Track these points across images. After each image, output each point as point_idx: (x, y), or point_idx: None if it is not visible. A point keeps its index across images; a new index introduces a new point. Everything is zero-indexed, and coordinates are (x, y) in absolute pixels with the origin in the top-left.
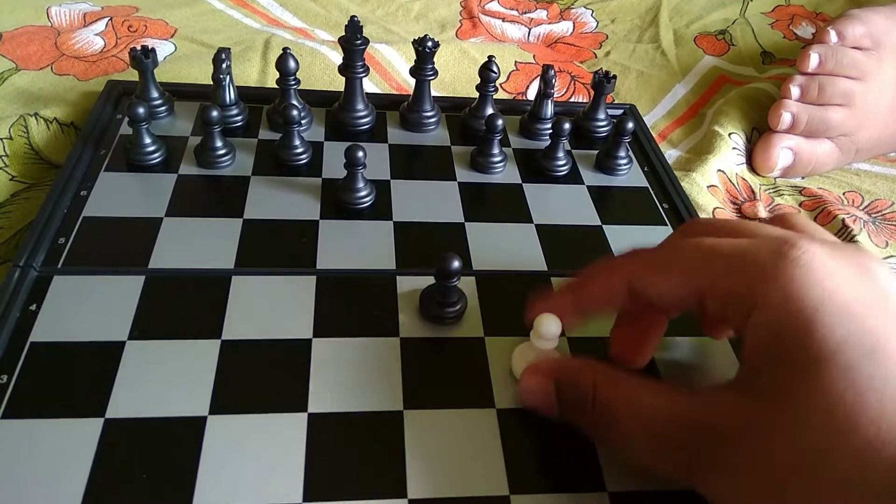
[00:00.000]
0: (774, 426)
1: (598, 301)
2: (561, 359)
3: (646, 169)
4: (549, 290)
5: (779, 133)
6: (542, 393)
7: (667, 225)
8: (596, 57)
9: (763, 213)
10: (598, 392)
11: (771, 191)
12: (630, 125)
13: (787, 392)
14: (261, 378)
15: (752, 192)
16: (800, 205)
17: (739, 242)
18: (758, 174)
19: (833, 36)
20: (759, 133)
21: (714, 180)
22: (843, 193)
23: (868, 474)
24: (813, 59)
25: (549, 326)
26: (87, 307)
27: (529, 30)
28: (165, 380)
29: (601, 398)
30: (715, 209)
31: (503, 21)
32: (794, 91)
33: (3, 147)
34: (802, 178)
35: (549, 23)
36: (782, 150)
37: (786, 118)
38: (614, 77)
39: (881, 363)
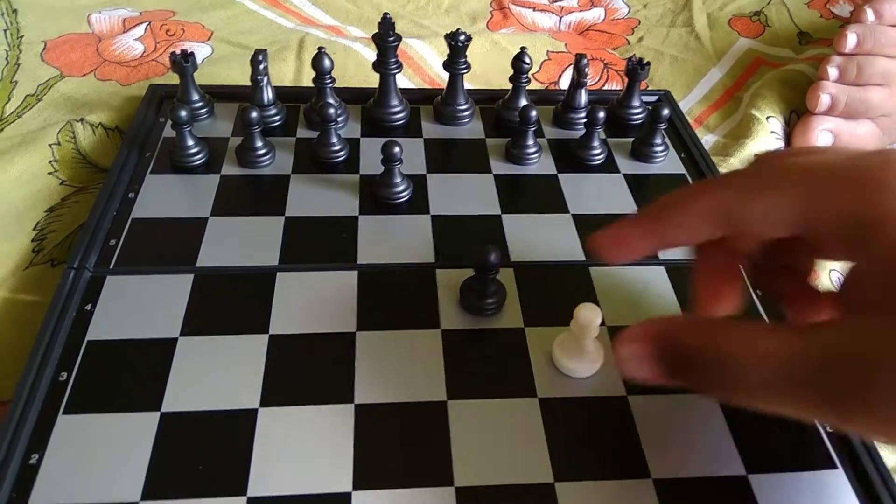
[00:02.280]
0: None
1: (682, 229)
2: (656, 320)
3: (682, 155)
4: (623, 220)
5: (818, 115)
6: (644, 360)
7: None
8: (629, 43)
9: None
10: (711, 347)
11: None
12: (665, 111)
13: None
14: (308, 371)
15: None
16: None
17: (841, 156)
18: None
19: (870, 15)
20: (797, 116)
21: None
22: None
23: None
24: (851, 39)
25: (590, 316)
26: (139, 306)
27: (560, 18)
28: (217, 374)
29: (717, 356)
30: None
31: (534, 10)
32: (832, 72)
33: (53, 152)
34: None
35: (580, 10)
36: (822, 133)
37: (824, 100)
38: (648, 63)
39: None
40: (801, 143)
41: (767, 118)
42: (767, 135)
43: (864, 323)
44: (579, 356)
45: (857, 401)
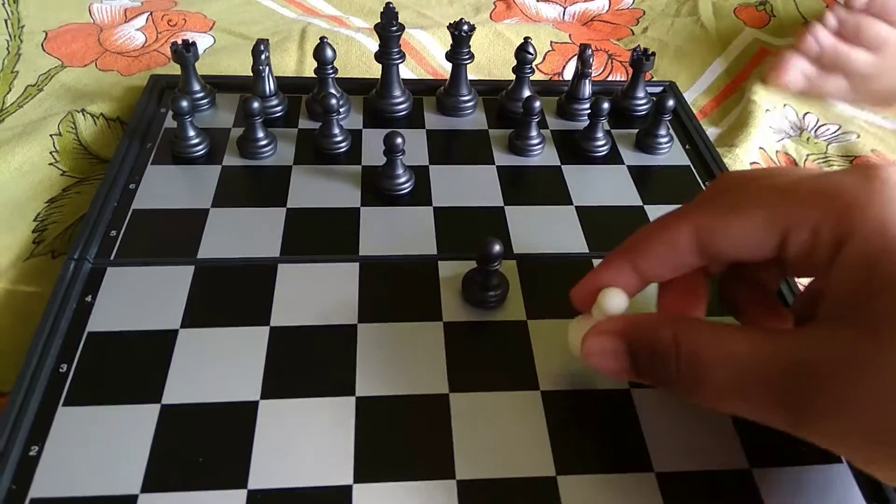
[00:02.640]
0: (886, 356)
1: (662, 263)
2: (628, 316)
3: (687, 147)
4: (600, 263)
5: (799, 55)
6: (612, 355)
7: None
8: (633, 34)
9: None
10: (681, 344)
11: (820, 161)
12: (670, 103)
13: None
14: (309, 363)
15: (795, 164)
16: None
17: (817, 175)
18: (767, 87)
19: None
20: (790, 108)
21: (756, 157)
22: None
23: None
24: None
25: (615, 301)
26: (140, 297)
27: (564, 9)
28: (218, 366)
29: (685, 351)
30: None
31: (537, 1)
32: (831, 20)
33: (54, 143)
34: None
35: (584, 1)
36: (794, 72)
37: (810, 42)
38: (653, 54)
39: None
40: (775, 74)
41: (766, 111)
42: (766, 128)
43: (835, 332)
44: None
45: (819, 408)
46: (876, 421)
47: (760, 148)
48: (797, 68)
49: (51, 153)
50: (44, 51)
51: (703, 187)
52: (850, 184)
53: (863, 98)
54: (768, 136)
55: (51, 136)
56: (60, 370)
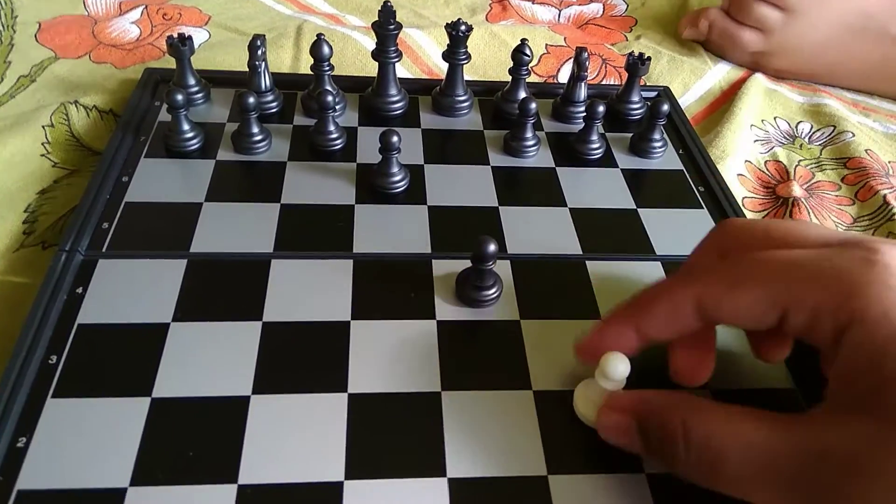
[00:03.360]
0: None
1: (664, 327)
2: (640, 393)
3: (681, 151)
4: (604, 321)
5: (712, 8)
6: (623, 431)
7: (703, 208)
8: (627, 39)
9: (798, 192)
10: (691, 430)
11: (812, 166)
12: (665, 107)
13: None
14: (301, 359)
15: (786, 172)
16: (842, 179)
17: (819, 254)
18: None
19: None
20: (783, 121)
21: (742, 169)
22: (889, 162)
23: None
24: None
25: (617, 367)
26: (131, 290)
27: (559, 11)
28: (209, 360)
29: (695, 437)
30: (744, 198)
31: (533, 3)
32: (724, 2)
33: (46, 134)
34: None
35: (580, 4)
36: (705, 20)
37: (702, 24)
38: (648, 59)
39: None
40: (683, 27)
41: (751, 126)
42: (751, 144)
43: (849, 424)
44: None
45: (825, 501)
46: None
47: (746, 161)
48: (708, 17)
49: (42, 144)
50: (37, 42)
51: (696, 192)
52: (852, 267)
53: (782, 58)
54: (755, 148)
55: (43, 127)
56: (50, 362)
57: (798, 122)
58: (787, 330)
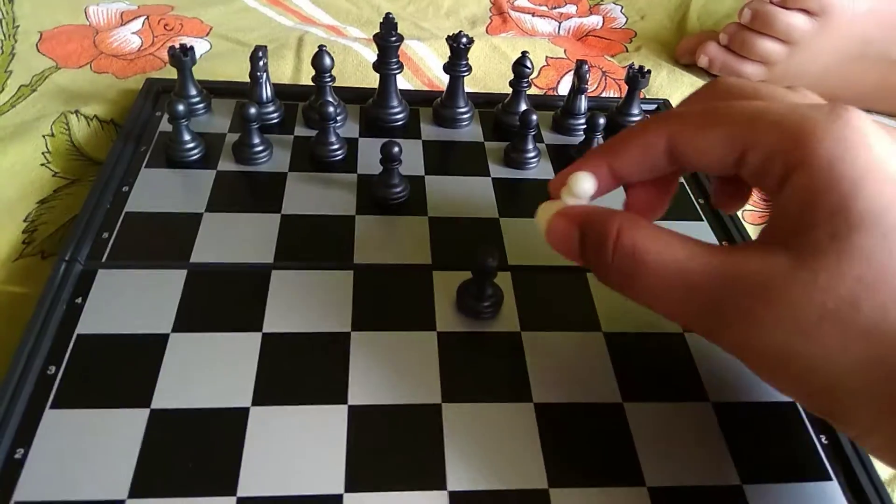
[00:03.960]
0: (804, 281)
1: (635, 163)
2: (588, 206)
3: None
4: (578, 160)
5: (711, 40)
6: (567, 236)
7: (703, 220)
8: (627, 51)
9: None
10: (622, 236)
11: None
12: None
13: (823, 251)
14: (301, 370)
15: None
16: None
17: (789, 105)
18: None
19: None
20: None
21: None
22: None
23: (889, 328)
24: (745, 15)
25: (582, 183)
26: (131, 300)
27: (559, 24)
28: (209, 371)
29: (625, 241)
30: (745, 210)
31: (533, 16)
32: (723, 37)
33: (46, 144)
34: None
35: (579, 16)
36: (705, 53)
37: (702, 60)
38: (648, 72)
39: None
40: (680, 56)
41: None
42: None
43: (768, 255)
44: None
45: (730, 319)
46: (778, 339)
47: None
48: (708, 54)
49: (43, 154)
50: (38, 51)
51: (696, 204)
52: (812, 117)
53: (776, 83)
54: None
55: (43, 136)
56: (48, 372)
57: None
58: (743, 174)
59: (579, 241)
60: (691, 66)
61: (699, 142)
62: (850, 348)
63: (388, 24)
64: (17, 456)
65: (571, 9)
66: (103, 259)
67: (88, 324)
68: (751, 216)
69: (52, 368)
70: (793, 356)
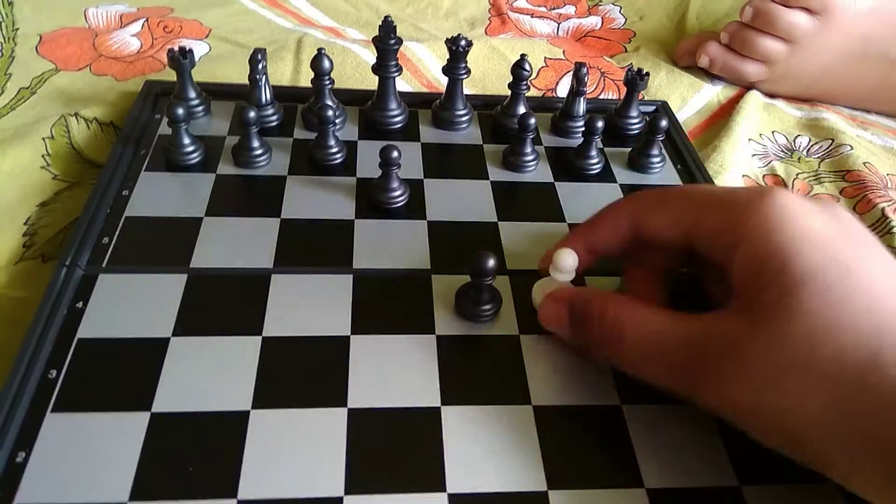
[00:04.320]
0: (762, 339)
1: (606, 240)
2: (575, 288)
3: (679, 167)
4: (559, 241)
5: (711, 39)
6: (558, 317)
7: None
8: (626, 51)
9: None
10: (606, 311)
11: (811, 179)
12: (664, 123)
13: (773, 311)
14: (301, 374)
15: (784, 185)
16: (840, 192)
17: (727, 188)
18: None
19: None
20: (780, 135)
21: (739, 184)
22: (887, 175)
23: (844, 372)
24: (747, 13)
25: (565, 260)
26: (131, 305)
27: (558, 24)
28: (209, 375)
29: (609, 316)
30: None
31: (532, 17)
32: (724, 36)
33: (46, 146)
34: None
35: (578, 17)
36: (705, 52)
37: (703, 60)
38: (647, 74)
39: (852, 284)
40: (679, 57)
41: (748, 140)
42: (749, 158)
43: (731, 319)
44: None
45: (707, 379)
46: (747, 393)
47: (744, 175)
48: (708, 54)
49: (43, 156)
50: (38, 54)
51: None
52: (746, 200)
53: (781, 84)
54: (752, 163)
55: (43, 139)
56: (49, 376)
57: (796, 136)
58: (695, 249)
59: (569, 319)
60: (690, 68)
61: (654, 221)
62: (813, 395)
63: (387, 27)
64: (18, 459)
65: (570, 9)
66: (104, 264)
67: (89, 328)
68: None
69: (53, 372)
70: (764, 408)
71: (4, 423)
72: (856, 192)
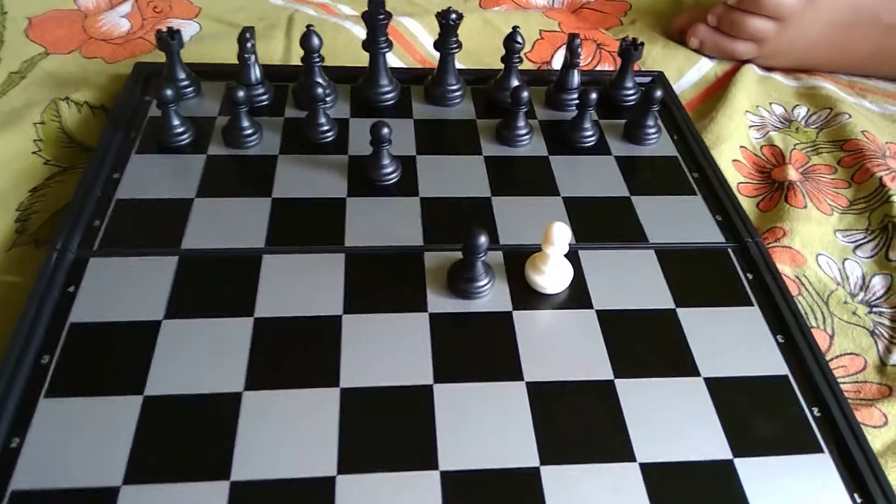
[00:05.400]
0: None
1: None
2: None
3: (675, 137)
4: None
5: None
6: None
7: (697, 195)
8: (622, 24)
9: (794, 176)
10: None
11: (808, 149)
12: (659, 93)
13: None
14: (293, 354)
15: (782, 156)
16: (838, 162)
17: None
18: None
19: None
20: (778, 106)
21: (737, 155)
22: (887, 143)
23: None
24: None
25: (559, 232)
26: (123, 288)
27: None
28: (201, 357)
29: None
30: (739, 184)
31: None
32: (711, 19)
33: (37, 131)
34: None
35: None
36: (696, 33)
37: (692, 42)
38: (642, 44)
39: None
40: (673, 34)
41: (745, 112)
42: (746, 129)
43: None
44: (549, 273)
45: None
46: None
47: (741, 146)
48: (697, 36)
49: (34, 142)
50: (27, 38)
51: (691, 178)
52: None
53: (774, 59)
54: (749, 134)
55: (34, 124)
56: (42, 361)
57: (794, 107)
58: None
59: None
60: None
61: None
62: None
63: (376, 2)
64: (12, 445)
65: None
66: (95, 247)
67: (81, 312)
68: (746, 188)
69: (46, 358)
70: None
71: None
72: (853, 161)
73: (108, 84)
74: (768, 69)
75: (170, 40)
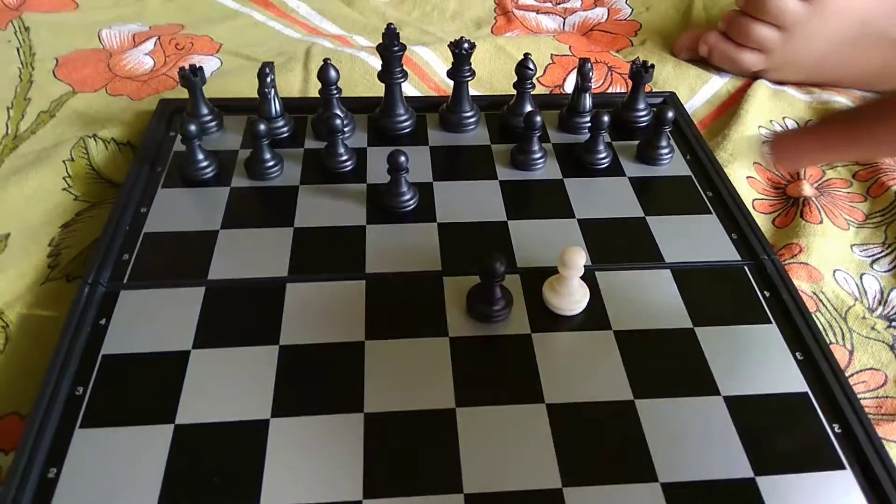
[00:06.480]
0: None
1: None
2: None
3: (688, 157)
4: None
5: (708, 30)
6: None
7: (711, 213)
8: (632, 45)
9: (809, 191)
10: None
11: (823, 164)
12: (670, 114)
13: None
14: (318, 381)
15: (796, 171)
16: (853, 175)
17: None
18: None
19: None
20: (791, 121)
21: (751, 172)
22: None
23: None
24: (740, 0)
25: (573, 258)
26: (152, 319)
27: (564, 19)
28: (229, 386)
29: None
30: (754, 200)
31: (537, 13)
32: (721, 25)
33: (66, 168)
34: None
35: (584, 10)
36: (704, 42)
37: (702, 49)
38: (652, 66)
39: None
40: (679, 50)
41: (759, 127)
42: (760, 146)
43: None
44: (566, 295)
45: None
46: None
47: (755, 163)
48: (707, 42)
49: (64, 179)
50: (55, 77)
51: (705, 197)
52: None
53: (782, 73)
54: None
55: (63, 161)
56: (77, 393)
57: (808, 121)
58: None
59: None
60: (694, 61)
61: None
62: None
63: (391, 34)
64: (50, 475)
65: (576, 2)
66: (125, 280)
67: (113, 344)
68: (761, 205)
69: (80, 389)
70: None
71: (35, 440)
72: (869, 174)
73: (134, 120)
74: (780, 83)
75: (192, 77)
